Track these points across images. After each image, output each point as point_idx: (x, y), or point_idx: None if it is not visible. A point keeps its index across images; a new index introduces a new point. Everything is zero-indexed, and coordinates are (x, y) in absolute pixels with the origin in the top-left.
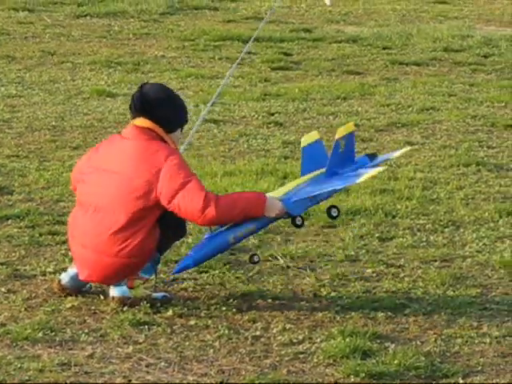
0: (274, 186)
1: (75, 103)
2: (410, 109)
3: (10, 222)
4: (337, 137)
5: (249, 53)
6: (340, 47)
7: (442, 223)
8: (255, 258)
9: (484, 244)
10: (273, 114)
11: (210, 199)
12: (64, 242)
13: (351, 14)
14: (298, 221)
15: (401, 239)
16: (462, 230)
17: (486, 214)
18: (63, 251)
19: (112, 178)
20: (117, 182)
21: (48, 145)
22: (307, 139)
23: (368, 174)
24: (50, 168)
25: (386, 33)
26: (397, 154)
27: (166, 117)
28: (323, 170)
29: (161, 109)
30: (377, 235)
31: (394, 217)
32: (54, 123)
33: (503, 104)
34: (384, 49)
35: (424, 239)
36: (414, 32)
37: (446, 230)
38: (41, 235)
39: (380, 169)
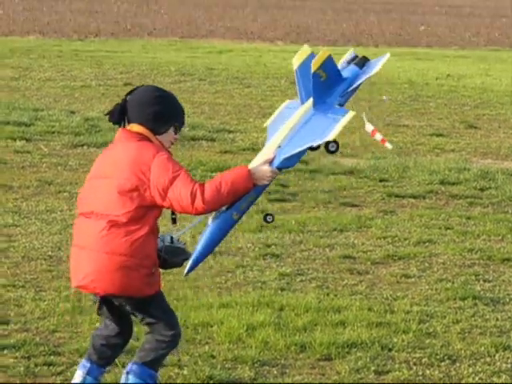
0: (270, 317)
1: (71, 233)
2: (407, 241)
3: (5, 351)
4: (313, 70)
5: None
6: (337, 179)
7: (438, 357)
8: (268, 218)
9: (480, 378)
10: (269, 246)
11: (196, 192)
12: (60, 373)
13: (348, 145)
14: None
15: (397, 373)
16: (458, 364)
17: (483, 348)
18: (59, 382)
19: (106, 183)
20: (110, 186)
21: (44, 274)
22: (299, 57)
23: (340, 124)
24: (46, 298)
25: (383, 165)
26: (382, 60)
27: (151, 117)
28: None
29: (145, 109)
30: (373, 368)
31: (390, 350)
32: (50, 253)
33: (500, 237)
34: (381, 181)
35: (420, 373)
36: (410, 164)
37: (443, 363)
38: (36, 366)
39: (350, 114)
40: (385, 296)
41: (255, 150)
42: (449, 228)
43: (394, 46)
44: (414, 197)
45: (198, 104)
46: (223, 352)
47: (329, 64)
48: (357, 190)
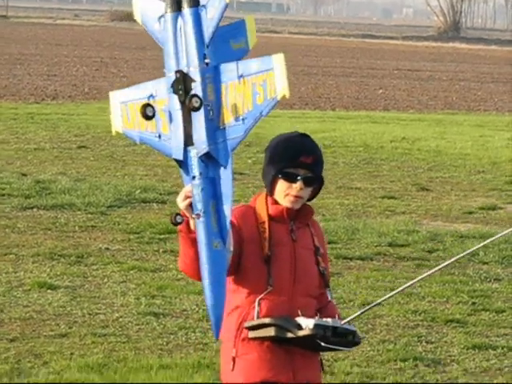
0: (209, 379)
1: (15, 295)
2: (352, 303)
3: None
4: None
5: None
6: None
7: None
8: (178, 219)
9: None
10: None
11: None
12: None
13: None
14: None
15: None
16: None
17: None
18: None
19: None
20: None
21: None
22: None
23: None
24: None
25: (333, 227)
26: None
27: None
28: None
29: None
30: None
31: None
32: None
33: (445, 299)
34: (329, 243)
35: None
36: (360, 227)
37: None
38: None
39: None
40: (326, 357)
41: None
42: (394, 289)
43: (352, 109)
44: (362, 259)
45: (151, 166)
46: None
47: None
48: None
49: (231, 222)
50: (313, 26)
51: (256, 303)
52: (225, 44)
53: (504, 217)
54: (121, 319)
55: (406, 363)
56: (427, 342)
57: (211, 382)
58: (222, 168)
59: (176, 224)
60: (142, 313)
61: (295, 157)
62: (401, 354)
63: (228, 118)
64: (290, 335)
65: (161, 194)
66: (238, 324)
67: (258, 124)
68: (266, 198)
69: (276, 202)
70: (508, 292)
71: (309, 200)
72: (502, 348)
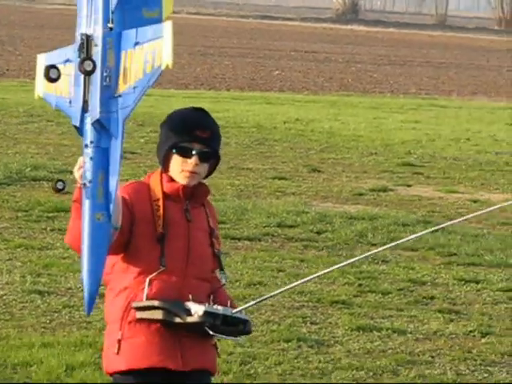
0: (91, 357)
1: None
2: (238, 283)
3: None
4: None
5: None
6: None
7: None
8: (59, 185)
9: None
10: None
11: None
12: None
13: None
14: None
15: None
16: None
17: None
18: None
19: None
20: None
21: None
22: None
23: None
24: None
25: (222, 207)
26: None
27: None
28: None
29: None
30: None
31: None
32: None
33: (331, 280)
34: (218, 223)
35: None
36: (249, 207)
37: None
38: None
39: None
40: None
41: None
42: (281, 270)
43: (247, 90)
44: (250, 239)
45: (43, 145)
46: None
47: None
48: None
49: (123, 198)
50: (211, 7)
51: (146, 283)
52: (136, 11)
53: (394, 198)
54: (5, 297)
55: (290, 344)
56: (312, 323)
57: (93, 360)
58: (112, 138)
59: (57, 191)
60: (26, 291)
61: (190, 130)
62: (284, 334)
63: (122, 87)
64: (178, 320)
65: (51, 173)
66: (125, 305)
67: (152, 103)
68: (161, 175)
69: (171, 180)
70: (395, 274)
71: (205, 177)
72: (387, 330)
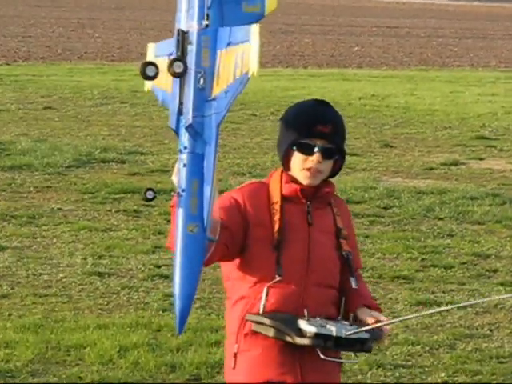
0: (144, 338)
1: None
2: None
3: None
4: None
5: (147, 205)
6: None
7: None
8: (149, 195)
9: None
10: (159, 267)
11: None
12: None
13: (259, 166)
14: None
15: None
16: None
17: None
18: None
19: None
20: None
21: None
22: None
23: None
24: None
25: None
26: None
27: None
28: None
29: None
30: None
31: None
32: None
33: (395, 255)
34: None
35: None
36: None
37: None
38: None
39: None
40: None
41: (164, 171)
42: None
43: (325, 67)
44: None
45: (115, 127)
46: (91, 374)
47: None
48: None
49: (236, 202)
50: None
51: (264, 293)
52: (235, 5)
53: (465, 172)
54: (65, 279)
55: None
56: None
57: (146, 340)
58: (206, 145)
59: (147, 200)
60: (86, 273)
61: (311, 126)
62: None
63: (216, 90)
64: (288, 339)
65: (121, 154)
66: (241, 316)
67: None
68: (281, 175)
69: (291, 180)
70: (459, 248)
71: (330, 177)
72: (447, 304)
